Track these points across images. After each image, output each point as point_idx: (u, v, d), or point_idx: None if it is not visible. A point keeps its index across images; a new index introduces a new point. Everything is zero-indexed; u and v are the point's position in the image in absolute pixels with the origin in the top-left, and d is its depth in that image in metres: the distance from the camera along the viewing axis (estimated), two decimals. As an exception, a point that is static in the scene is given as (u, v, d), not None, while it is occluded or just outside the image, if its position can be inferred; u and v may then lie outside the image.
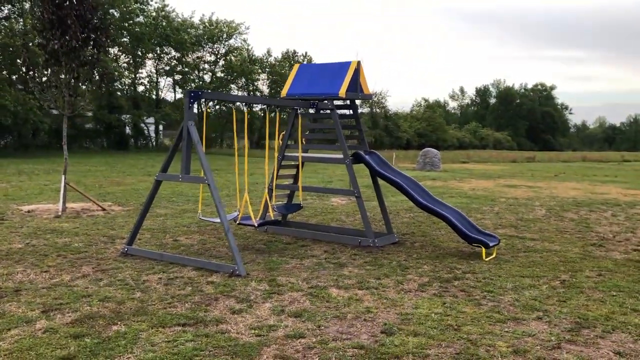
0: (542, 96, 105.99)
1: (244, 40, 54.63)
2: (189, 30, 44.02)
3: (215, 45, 46.61)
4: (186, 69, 44.51)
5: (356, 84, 9.10)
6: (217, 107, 46.49)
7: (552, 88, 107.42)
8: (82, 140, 38.20)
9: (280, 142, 9.60)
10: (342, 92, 8.86)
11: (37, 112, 29.10)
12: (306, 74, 9.55)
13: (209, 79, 46.85)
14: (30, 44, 10.81)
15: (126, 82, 41.19)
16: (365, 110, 73.65)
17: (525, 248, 8.85)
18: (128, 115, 39.51)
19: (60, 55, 10.98)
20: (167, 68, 43.88)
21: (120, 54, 39.80)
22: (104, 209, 11.88)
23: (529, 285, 6.68)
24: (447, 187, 19.10)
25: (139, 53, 41.21)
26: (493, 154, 56.55)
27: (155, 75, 43.80)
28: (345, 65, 9.16)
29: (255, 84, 51.21)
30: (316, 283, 6.53)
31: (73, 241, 8.50)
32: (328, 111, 9.25)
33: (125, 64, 40.13)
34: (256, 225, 8.05)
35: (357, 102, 9.82)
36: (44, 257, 7.43)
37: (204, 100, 8.88)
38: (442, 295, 6.17)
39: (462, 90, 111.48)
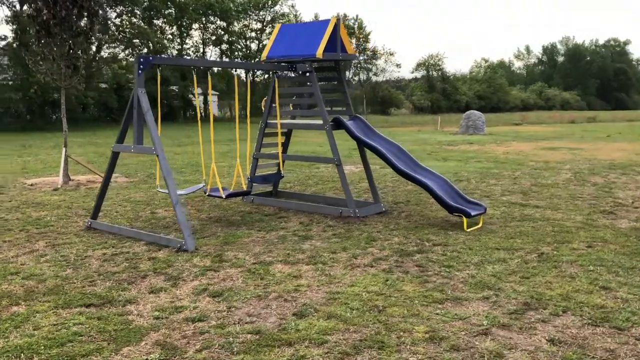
0: (615, 52, 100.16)
1: (292, 6, 53.91)
2: (234, -2, 43.80)
3: (261, 13, 46.19)
4: (232, 38, 44.38)
5: (336, 44, 8.48)
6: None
7: (626, 43, 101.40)
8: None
9: (263, 109, 9.16)
10: (319, 52, 8.27)
11: (77, 87, 29.59)
12: (286, 35, 8.99)
13: (256, 47, 46.63)
14: (24, 15, 10.80)
15: (172, 54, 41.47)
16: (420, 74, 71.75)
17: (522, 217, 8.10)
18: (176, 87, 39.87)
19: (51, 26, 10.86)
20: (213, 38, 43.87)
21: (165, 25, 39.99)
22: (94, 182, 11.85)
23: (498, 259, 6.04)
24: (480, 151, 18.16)
25: (184, 24, 41.35)
26: (554, 115, 54.02)
27: (201, 46, 43.93)
28: (323, 24, 8.56)
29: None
30: (264, 258, 6.12)
31: (48, 215, 8.42)
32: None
33: (170, 36, 40.33)
34: (224, 196, 7.69)
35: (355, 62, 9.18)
36: (6, 232, 7.36)
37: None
38: (390, 271, 5.64)
39: (527, 49, 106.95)
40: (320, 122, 8.50)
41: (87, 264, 5.94)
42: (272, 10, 46.23)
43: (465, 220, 7.36)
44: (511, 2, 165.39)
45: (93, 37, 11.59)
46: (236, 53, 44.50)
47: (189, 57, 43.17)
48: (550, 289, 5.11)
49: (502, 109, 72.18)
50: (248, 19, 45.73)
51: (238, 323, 4.37)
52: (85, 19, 11.27)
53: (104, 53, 36.59)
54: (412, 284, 5.27)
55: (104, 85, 36.40)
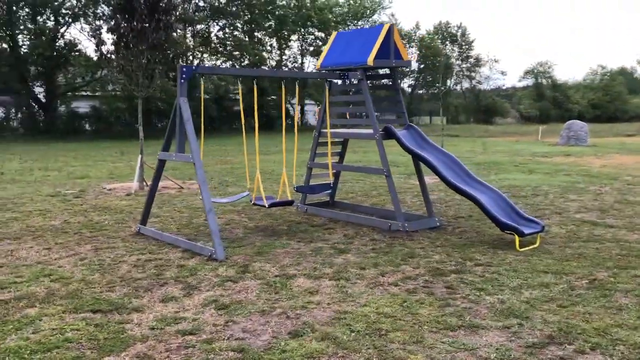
0: None
1: (392, 15, 53.56)
2: (333, 9, 44.13)
3: (360, 22, 46.20)
4: (330, 48, 44.74)
5: (388, 50, 8.16)
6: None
7: None
8: (232, 122, 40.27)
9: (317, 118, 9.01)
10: (370, 59, 8.00)
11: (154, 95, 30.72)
12: (341, 43, 8.79)
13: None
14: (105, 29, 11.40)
15: (272, 64, 42.43)
16: (528, 82, 68.71)
17: (589, 237, 7.35)
18: (273, 97, 40.72)
19: (129, 38, 11.35)
20: (311, 48, 44.44)
21: (265, 37, 40.99)
22: (181, 188, 12.21)
23: (541, 284, 5.46)
24: (573, 163, 16.93)
25: (284, 35, 42.19)
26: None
27: (299, 57, 44.64)
28: (376, 31, 8.27)
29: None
30: (289, 271, 5.94)
31: (108, 219, 8.73)
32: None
33: (269, 47, 41.28)
34: (267, 205, 7.60)
35: (408, 69, 8.84)
36: (62, 234, 7.69)
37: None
38: (414, 292, 5.26)
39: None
40: (371, 131, 8.20)
41: (117, 269, 6.04)
42: (370, 19, 46.14)
43: (517, 238, 6.77)
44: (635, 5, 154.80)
45: (169, 49, 11.95)
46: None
47: (285, 69, 44.03)
48: (586, 320, 4.53)
49: (619, 119, 67.34)
50: (346, 29, 45.92)
51: (228, 339, 4.22)
52: (161, 31, 11.66)
53: (207, 63, 38.11)
54: (430, 307, 4.88)
55: (206, 96, 37.92)
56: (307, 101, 44.84)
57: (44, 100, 31.54)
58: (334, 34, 9.12)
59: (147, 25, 11.24)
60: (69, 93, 33.24)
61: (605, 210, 9.20)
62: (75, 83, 32.75)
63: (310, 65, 46.18)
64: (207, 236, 7.60)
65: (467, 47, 59.85)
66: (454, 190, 7.51)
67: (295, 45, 44.33)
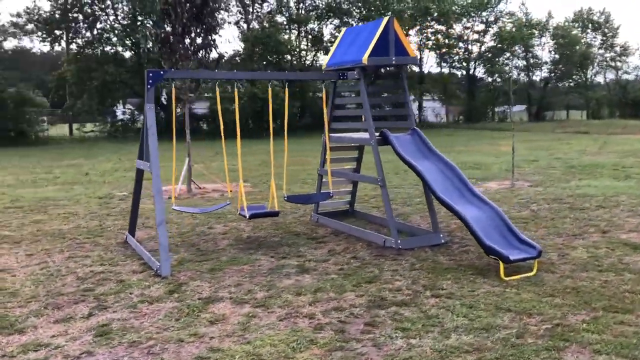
0: None
1: (522, 4, 50.15)
2: (456, 0, 42.25)
3: (484, 13, 43.80)
4: (451, 41, 42.89)
5: (387, 47, 7.32)
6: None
7: None
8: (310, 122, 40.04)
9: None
10: (365, 57, 7.22)
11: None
12: (347, 40, 8.06)
13: (477, 50, 44.43)
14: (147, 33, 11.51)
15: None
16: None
17: (610, 265, 6.03)
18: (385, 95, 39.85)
19: (172, 42, 11.43)
20: (430, 43, 42.91)
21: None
22: (231, 191, 12.12)
23: (485, 326, 4.48)
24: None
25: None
26: None
27: (417, 52, 43.24)
28: (375, 25, 7.46)
29: (533, 50, 46.67)
30: (219, 294, 5.45)
31: (118, 225, 8.77)
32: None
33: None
34: (247, 216, 7.15)
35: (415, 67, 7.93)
36: (56, 240, 7.80)
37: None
38: (320, 329, 4.54)
39: None
40: (367, 135, 7.42)
41: (59, 281, 5.92)
42: (496, 10, 43.56)
43: (502, 265, 5.69)
44: None
45: (213, 51, 11.88)
46: (453, 57, 42.95)
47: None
48: (488, 385, 3.57)
49: None
50: (470, 20, 43.76)
51: (59, 374, 3.85)
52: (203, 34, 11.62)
53: (320, 62, 38.21)
54: (319, 349, 4.15)
55: (319, 94, 38.08)
56: (425, 97, 43.44)
57: (165, 103, 33.46)
58: (343, 30, 8.41)
59: (187, 29, 11.24)
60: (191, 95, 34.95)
61: (662, 229, 7.60)
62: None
63: (430, 59, 44.70)
64: (187, 247, 7.33)
65: (611, 34, 54.43)
66: (442, 205, 6.53)
67: (413, 39, 43.00)
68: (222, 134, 7.35)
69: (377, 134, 7.33)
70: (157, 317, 4.90)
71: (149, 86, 6.72)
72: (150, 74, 6.72)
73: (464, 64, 45.73)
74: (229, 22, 38.41)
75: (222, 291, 5.52)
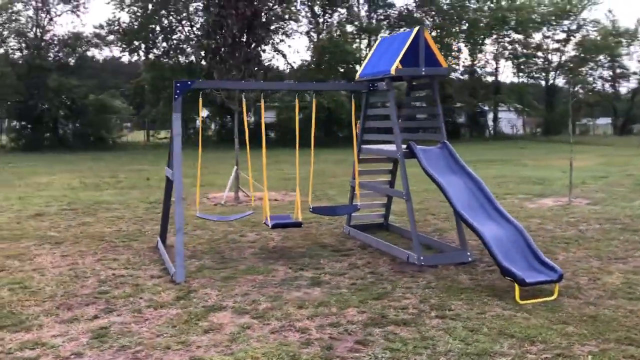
0: None
1: (609, 11, 47.83)
2: (535, 8, 40.89)
3: (565, 22, 42.08)
4: (528, 51, 41.50)
5: (417, 57, 7.15)
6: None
7: None
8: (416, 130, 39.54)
9: (358, 132, 8.29)
10: (393, 68, 7.09)
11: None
12: (380, 50, 7.95)
13: (557, 59, 42.75)
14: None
15: (459, 70, 40.72)
16: None
17: (637, 293, 5.60)
18: (458, 104, 39.06)
19: (222, 53, 11.69)
20: (506, 52, 41.68)
21: (453, 42, 39.42)
22: (276, 200, 12.24)
23: (480, 352, 4.26)
24: None
25: (476, 40, 40.22)
26: None
27: (492, 61, 42.17)
28: (405, 36, 7.31)
29: (620, 60, 44.35)
30: (225, 302, 5.48)
31: (154, 231, 9.03)
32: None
33: (455, 52, 39.56)
34: (269, 225, 7.17)
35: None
36: (94, 242, 8.11)
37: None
38: (308, 344, 4.46)
39: None
40: (394, 147, 7.27)
41: (80, 283, 6.15)
42: (579, 18, 41.72)
43: (517, 287, 5.40)
44: None
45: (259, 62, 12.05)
46: (532, 67, 41.51)
47: (479, 74, 41.76)
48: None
49: None
50: (550, 29, 42.15)
51: (41, 374, 3.98)
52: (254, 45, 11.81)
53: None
54: (299, 365, 4.08)
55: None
56: (500, 108, 42.23)
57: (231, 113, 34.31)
58: (379, 39, 8.30)
59: (237, 40, 11.46)
60: (258, 104, 35.52)
61: None
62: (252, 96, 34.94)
63: (506, 69, 43.43)
64: (213, 254, 7.42)
65: None
66: (461, 220, 6.28)
67: (488, 49, 41.94)
68: (247, 143, 7.37)
69: (404, 146, 7.17)
70: (157, 323, 4.98)
71: (176, 96, 6.87)
72: (178, 84, 6.88)
73: (543, 74, 44.14)
74: (300, 33, 38.87)
75: (227, 300, 5.55)
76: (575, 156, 23.43)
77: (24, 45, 31.02)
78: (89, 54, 34.66)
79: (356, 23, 35.25)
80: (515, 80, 43.81)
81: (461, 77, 40.82)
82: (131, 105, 36.17)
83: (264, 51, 12.13)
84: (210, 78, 12.87)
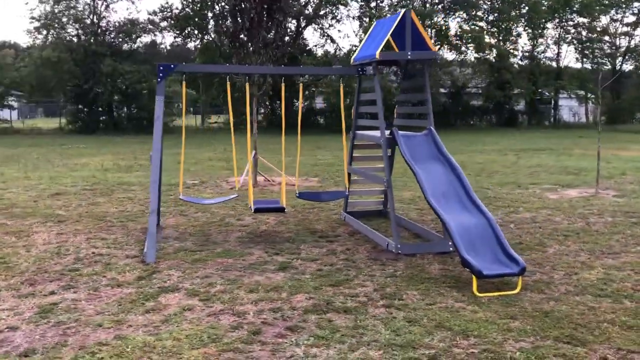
0: None
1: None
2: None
3: (636, 4, 39.73)
4: (593, 35, 39.49)
5: (404, 41, 6.93)
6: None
7: None
8: (470, 117, 38.64)
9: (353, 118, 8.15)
10: (378, 52, 6.90)
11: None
12: (373, 33, 7.76)
13: (626, 44, 40.54)
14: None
15: (520, 56, 39.22)
16: None
17: (608, 290, 5.26)
18: (517, 90, 37.64)
19: (241, 38, 11.73)
20: (568, 37, 39.83)
21: (513, 26, 37.91)
22: (293, 185, 12.25)
23: (404, 344, 4.12)
24: None
25: (537, 24, 38.59)
26: None
27: (553, 46, 40.40)
28: (391, 20, 7.09)
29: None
30: (183, 284, 5.54)
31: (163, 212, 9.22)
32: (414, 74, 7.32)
33: (513, 38, 38.05)
34: (252, 209, 7.18)
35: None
36: (94, 222, 8.36)
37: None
38: (238, 328, 4.44)
39: None
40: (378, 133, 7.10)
41: (59, 260, 6.34)
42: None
43: (474, 279, 5.18)
44: None
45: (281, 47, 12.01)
46: (595, 52, 39.47)
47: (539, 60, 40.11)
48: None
49: None
50: (619, 11, 39.93)
51: (-30, 345, 4.15)
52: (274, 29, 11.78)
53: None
54: (214, 349, 4.07)
55: (443, 90, 37.03)
56: (561, 95, 40.47)
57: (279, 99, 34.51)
58: (374, 23, 8.10)
59: (255, 24, 11.46)
60: (306, 92, 35.50)
61: None
62: (306, 81, 34.76)
63: (568, 54, 41.53)
64: (199, 236, 7.50)
65: None
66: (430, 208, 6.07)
67: (550, 33, 40.17)
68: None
69: (387, 132, 6.99)
70: (106, 301, 5.09)
71: (159, 79, 6.96)
72: (161, 67, 6.96)
73: (609, 59, 41.93)
74: (351, 17, 38.48)
75: (186, 282, 5.60)
76: (633, 146, 22.27)
77: (80, 31, 32.18)
78: (145, 39, 35.57)
79: (409, 6, 34.53)
80: (579, 65, 41.85)
81: (520, 63, 39.36)
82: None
83: (283, 35, 12.07)
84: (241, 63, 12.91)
